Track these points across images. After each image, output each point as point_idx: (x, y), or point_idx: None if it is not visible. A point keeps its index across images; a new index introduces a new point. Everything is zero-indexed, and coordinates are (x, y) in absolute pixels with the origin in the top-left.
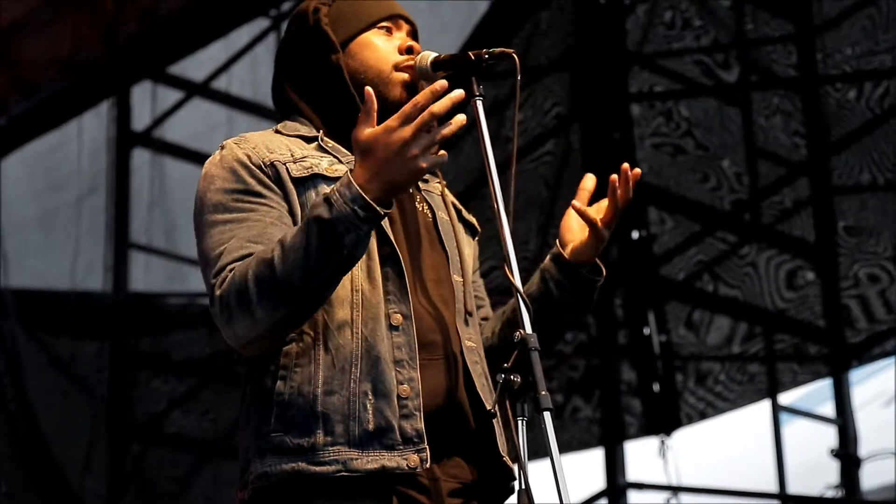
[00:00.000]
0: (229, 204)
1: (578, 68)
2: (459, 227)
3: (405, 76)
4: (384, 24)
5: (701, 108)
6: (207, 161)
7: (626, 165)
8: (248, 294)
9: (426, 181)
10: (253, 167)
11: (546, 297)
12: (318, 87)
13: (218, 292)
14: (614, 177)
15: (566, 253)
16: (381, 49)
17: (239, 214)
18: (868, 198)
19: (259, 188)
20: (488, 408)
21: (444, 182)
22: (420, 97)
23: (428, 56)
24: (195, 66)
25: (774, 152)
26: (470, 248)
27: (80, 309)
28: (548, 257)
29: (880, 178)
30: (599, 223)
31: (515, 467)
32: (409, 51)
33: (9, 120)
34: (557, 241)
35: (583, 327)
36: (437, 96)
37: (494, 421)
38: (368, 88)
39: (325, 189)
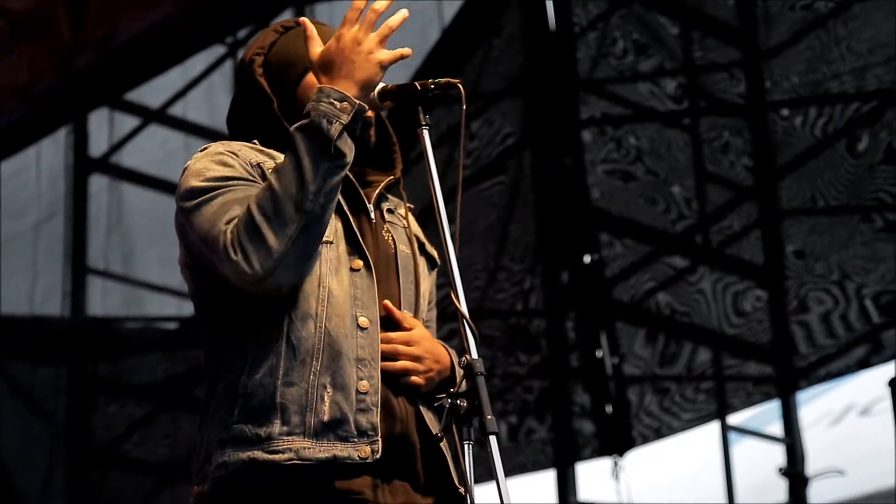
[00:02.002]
0: (217, 185)
1: (530, 95)
2: (421, 261)
3: None
4: None
5: (651, 135)
6: (193, 157)
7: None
8: (256, 223)
9: (392, 212)
10: (242, 159)
11: None
12: (265, 133)
13: (226, 240)
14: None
15: None
16: None
17: (232, 184)
18: (816, 222)
19: (247, 175)
20: (435, 432)
21: (411, 207)
22: (357, 2)
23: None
24: (152, 93)
25: (723, 177)
26: (428, 281)
27: (38, 334)
28: None
29: (826, 202)
30: None
31: (463, 490)
32: None
33: None
34: None
35: (537, 350)
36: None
37: (444, 447)
38: (303, 18)
39: None
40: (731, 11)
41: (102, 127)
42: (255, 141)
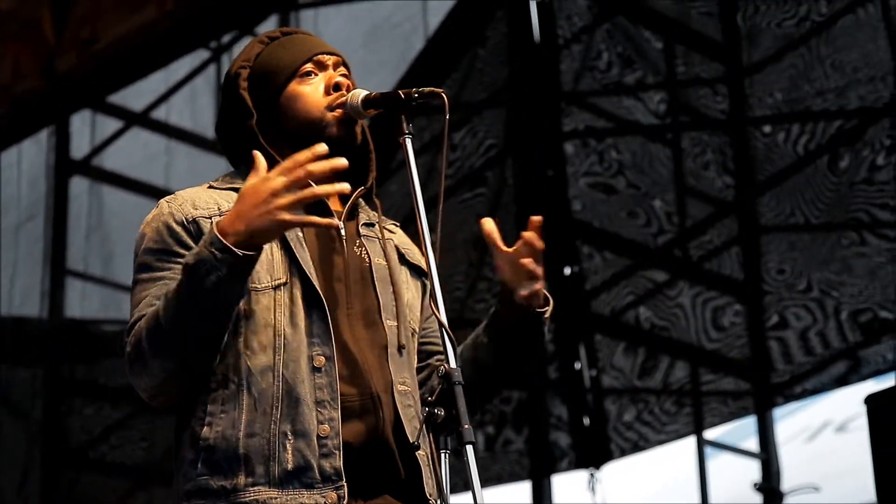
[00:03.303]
0: (151, 263)
1: (513, 106)
2: (401, 271)
3: (338, 113)
4: (305, 68)
5: (633, 148)
6: (144, 219)
7: (537, 218)
8: (142, 348)
9: (369, 225)
10: (176, 226)
11: (498, 338)
12: (243, 147)
13: (127, 350)
14: (538, 244)
15: (520, 295)
16: (308, 96)
17: (156, 273)
18: (796, 238)
19: (177, 248)
20: (411, 440)
21: (397, 224)
22: (300, 155)
23: (359, 94)
24: (135, 96)
25: (704, 192)
26: (415, 290)
27: (16, 334)
28: (496, 303)
29: (806, 219)
30: (528, 265)
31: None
32: (336, 87)
33: None
34: (502, 286)
35: None
36: (318, 157)
37: (421, 461)
38: (255, 152)
39: None
40: (715, 27)
41: (84, 129)
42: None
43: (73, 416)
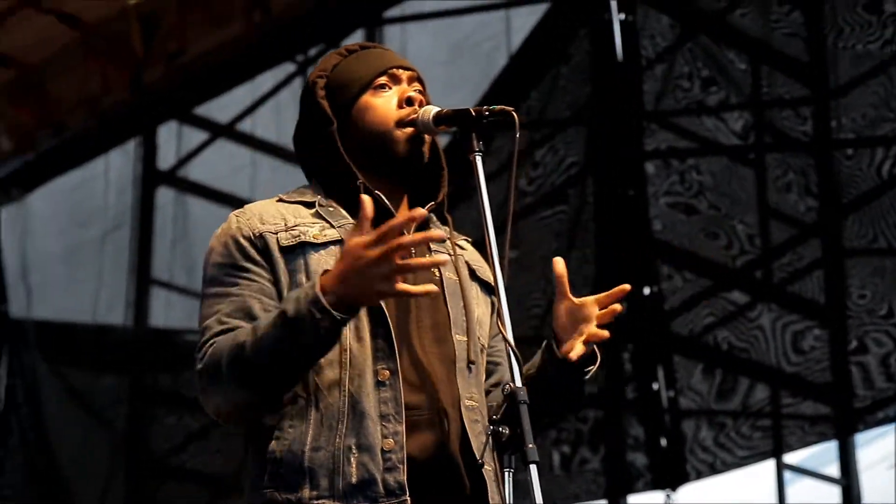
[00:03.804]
0: (220, 278)
1: (595, 124)
2: (472, 287)
3: (408, 130)
4: (380, 80)
5: (715, 169)
6: (213, 233)
7: (626, 287)
8: (220, 373)
9: (441, 242)
10: (243, 241)
11: (543, 381)
12: (321, 158)
13: (198, 367)
14: (616, 307)
15: (561, 352)
16: (380, 109)
17: (225, 289)
18: (878, 263)
19: (244, 263)
20: (478, 456)
21: (468, 239)
22: (396, 221)
23: (430, 111)
24: (220, 109)
25: (786, 213)
26: (485, 306)
27: (101, 343)
28: (544, 345)
29: (891, 243)
30: (589, 337)
31: None
32: (408, 101)
33: (36, 156)
34: (553, 332)
35: (592, 380)
36: (412, 223)
37: (487, 476)
38: (365, 197)
39: (313, 256)
40: (798, 47)
41: (171, 140)
42: (297, 189)
43: (156, 424)
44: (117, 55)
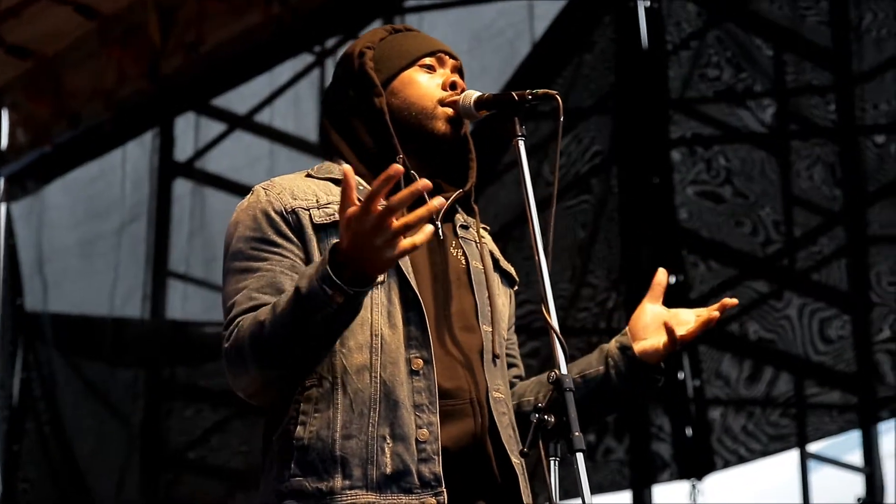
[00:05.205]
0: (247, 252)
1: (620, 112)
2: (494, 277)
3: (449, 111)
4: (427, 60)
5: (741, 156)
6: (238, 206)
7: (733, 301)
8: (244, 352)
9: (466, 227)
10: (274, 215)
11: (605, 383)
12: (359, 129)
13: (226, 346)
14: (715, 314)
15: (636, 348)
16: (424, 86)
17: (253, 263)
18: None
19: (275, 237)
20: (520, 450)
21: (487, 228)
22: (375, 184)
23: (471, 95)
24: (238, 100)
25: (812, 201)
26: (505, 297)
27: (117, 336)
28: (614, 343)
29: None
30: (678, 336)
31: None
32: (452, 86)
33: (53, 148)
34: (628, 329)
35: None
36: (393, 183)
37: (517, 469)
38: (346, 167)
39: None
40: (826, 35)
41: (188, 131)
42: (323, 163)
43: (173, 417)
44: (134, 46)
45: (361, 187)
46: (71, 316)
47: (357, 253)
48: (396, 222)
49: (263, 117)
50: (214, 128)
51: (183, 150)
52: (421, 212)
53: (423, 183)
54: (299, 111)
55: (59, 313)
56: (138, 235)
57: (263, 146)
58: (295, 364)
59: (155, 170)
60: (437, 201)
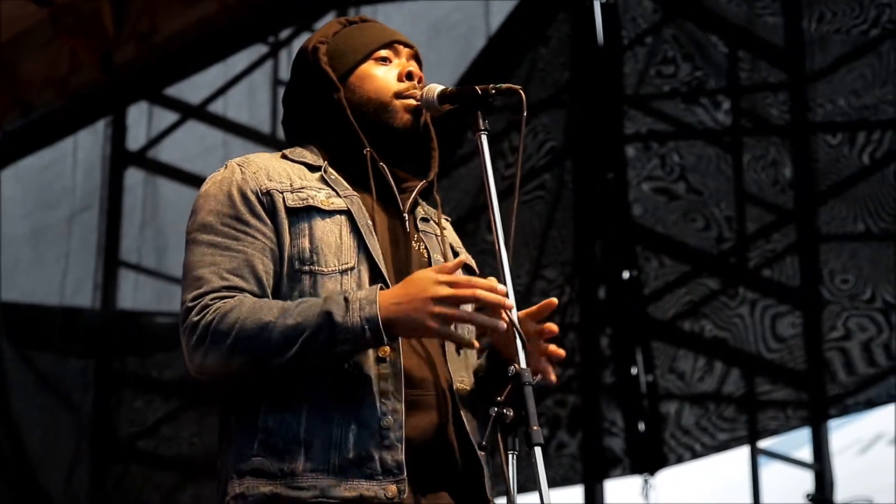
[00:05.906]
0: (218, 227)
1: (575, 107)
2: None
3: (409, 102)
4: (381, 52)
5: (695, 153)
6: (209, 177)
7: (553, 301)
8: (228, 340)
9: (426, 220)
10: (249, 194)
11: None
12: (322, 123)
13: (197, 319)
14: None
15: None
16: (380, 79)
17: (224, 240)
18: (860, 247)
19: (249, 217)
20: (478, 442)
21: (448, 219)
22: (481, 282)
23: (435, 88)
24: (192, 89)
25: (764, 199)
26: None
27: (68, 326)
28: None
29: (874, 227)
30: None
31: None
32: (409, 76)
33: (3, 135)
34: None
35: (570, 364)
36: (491, 290)
37: (482, 459)
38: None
39: (319, 222)
40: (780, 33)
41: (141, 121)
42: (296, 147)
43: (124, 408)
44: (87, 34)
45: (333, 176)
46: (21, 305)
47: (410, 307)
48: (466, 312)
49: (217, 107)
50: (167, 117)
51: (135, 139)
52: (485, 319)
53: (501, 289)
54: (253, 101)
55: (10, 302)
56: (90, 225)
57: (217, 136)
58: (287, 367)
59: (107, 159)
60: (500, 288)
